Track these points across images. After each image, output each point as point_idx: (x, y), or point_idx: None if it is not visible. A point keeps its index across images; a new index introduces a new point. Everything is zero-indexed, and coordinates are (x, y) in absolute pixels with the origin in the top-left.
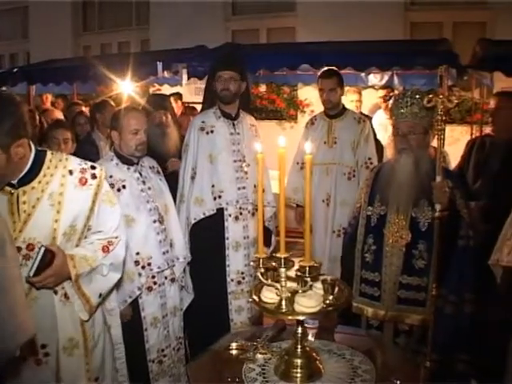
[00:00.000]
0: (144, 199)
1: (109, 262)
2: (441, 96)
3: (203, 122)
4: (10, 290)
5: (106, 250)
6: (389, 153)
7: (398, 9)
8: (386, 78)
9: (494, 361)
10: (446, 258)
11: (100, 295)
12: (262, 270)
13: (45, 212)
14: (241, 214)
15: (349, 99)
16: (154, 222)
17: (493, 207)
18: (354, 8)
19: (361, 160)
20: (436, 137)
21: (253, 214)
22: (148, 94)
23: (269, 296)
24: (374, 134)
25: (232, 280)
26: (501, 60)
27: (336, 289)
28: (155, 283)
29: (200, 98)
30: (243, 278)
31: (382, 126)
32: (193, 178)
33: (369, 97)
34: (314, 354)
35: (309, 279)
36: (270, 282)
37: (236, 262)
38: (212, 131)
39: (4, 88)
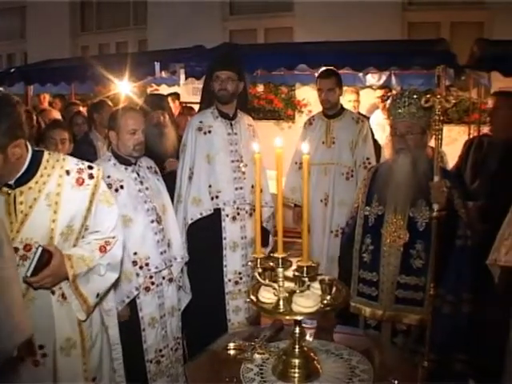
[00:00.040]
0: (142, 199)
1: (106, 261)
2: (438, 96)
3: (201, 122)
4: (7, 290)
5: (103, 249)
6: (386, 153)
7: (395, 9)
8: (383, 78)
9: (491, 360)
10: (444, 258)
11: (97, 295)
12: (260, 270)
13: (42, 212)
14: (238, 214)
15: (346, 99)
16: (152, 222)
17: (491, 207)
18: (352, 8)
19: (359, 160)
20: (434, 137)
21: (250, 215)
22: (146, 94)
23: (266, 296)
24: (372, 134)
25: (229, 280)
26: (498, 60)
27: (334, 289)
28: (153, 283)
29: (198, 98)
30: (240, 279)
31: (380, 126)
32: (190, 178)
33: (366, 97)
34: (311, 354)
35: (306, 279)
36: (267, 282)
37: (233, 263)
38: (210, 131)
39: (1, 88)
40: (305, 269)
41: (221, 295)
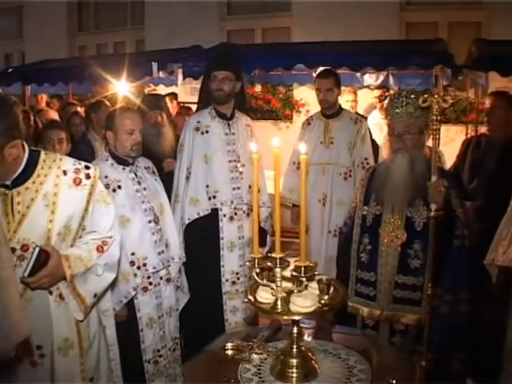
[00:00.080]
0: (139, 199)
1: (103, 261)
2: (436, 96)
3: (198, 122)
4: (5, 290)
5: (100, 249)
6: (384, 153)
7: (393, 9)
8: (381, 77)
9: (489, 360)
10: (442, 258)
11: (95, 295)
12: (258, 270)
13: (39, 212)
14: (235, 214)
15: (344, 99)
16: (150, 222)
17: (488, 207)
18: (349, 8)
19: (357, 160)
20: (431, 136)
21: (248, 215)
22: (143, 94)
23: (264, 296)
24: (370, 134)
25: (227, 280)
26: (496, 60)
27: (331, 289)
28: (151, 283)
29: (195, 98)
30: (238, 279)
31: (378, 126)
32: (187, 178)
33: (364, 97)
34: (309, 354)
35: (304, 279)
36: (265, 282)
37: (231, 263)
38: (207, 131)
39: None
40: (302, 269)
41: (218, 295)
